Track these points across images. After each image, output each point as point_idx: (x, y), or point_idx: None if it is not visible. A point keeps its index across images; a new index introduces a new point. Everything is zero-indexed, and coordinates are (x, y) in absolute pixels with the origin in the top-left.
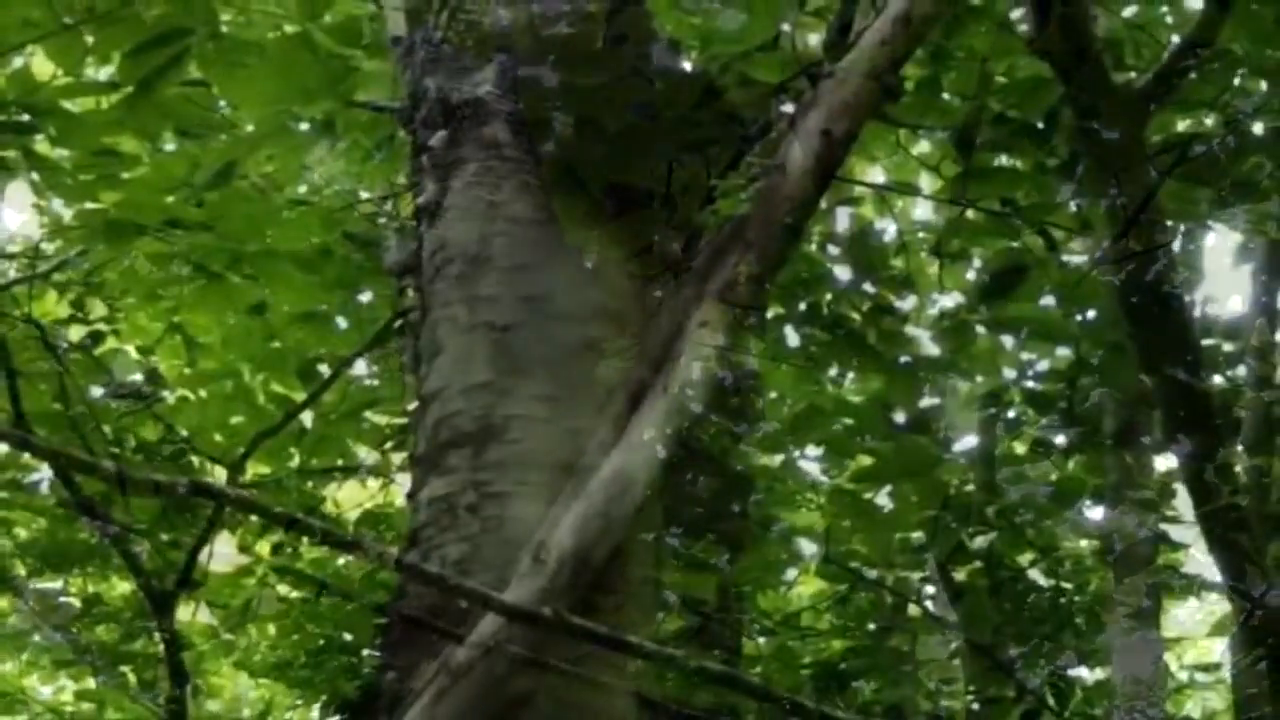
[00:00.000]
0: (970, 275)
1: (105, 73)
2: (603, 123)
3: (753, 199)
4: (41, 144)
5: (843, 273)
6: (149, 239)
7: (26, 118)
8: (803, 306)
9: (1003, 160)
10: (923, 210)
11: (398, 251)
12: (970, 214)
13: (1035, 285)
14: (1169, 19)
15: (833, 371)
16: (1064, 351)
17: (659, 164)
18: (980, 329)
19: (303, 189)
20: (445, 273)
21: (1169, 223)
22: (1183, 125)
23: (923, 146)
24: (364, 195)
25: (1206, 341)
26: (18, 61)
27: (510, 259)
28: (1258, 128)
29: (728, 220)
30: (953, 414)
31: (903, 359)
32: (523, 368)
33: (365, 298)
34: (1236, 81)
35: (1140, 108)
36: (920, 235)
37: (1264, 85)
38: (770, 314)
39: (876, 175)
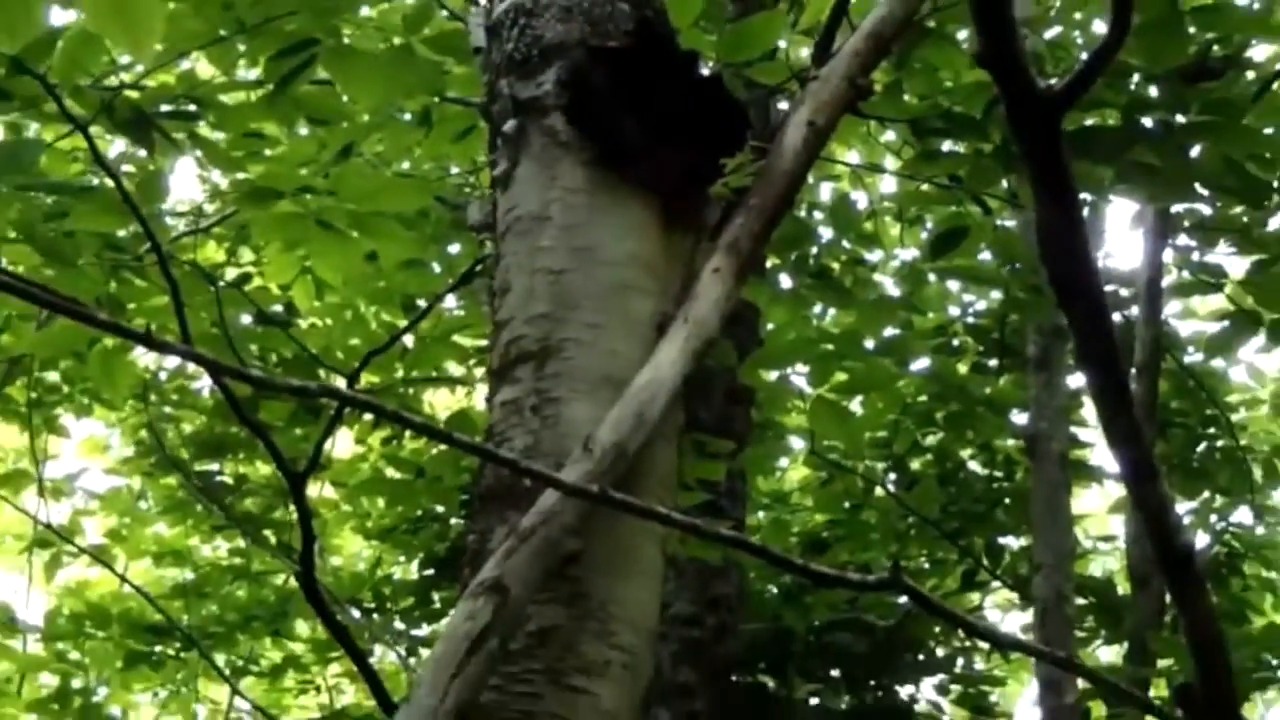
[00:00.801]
0: (924, 235)
1: (253, 73)
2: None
3: (755, 174)
4: (202, 128)
5: (825, 233)
6: (286, 202)
7: (192, 108)
8: (793, 258)
9: (949, 145)
10: (888, 184)
11: (478, 212)
12: (924, 187)
13: (974, 242)
14: (1080, 40)
15: (817, 309)
16: (996, 294)
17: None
18: (931, 277)
19: (406, 165)
20: (514, 229)
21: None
22: (1089, 120)
23: (888, 135)
24: (454, 170)
25: (1107, 288)
26: (184, 64)
27: (564, 219)
28: (1148, 121)
29: (736, 190)
30: (910, 342)
31: (871, 298)
32: (573, 302)
33: (455, 249)
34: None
35: (1055, 109)
36: (885, 204)
37: (1153, 90)
38: (770, 264)
39: (852, 157)
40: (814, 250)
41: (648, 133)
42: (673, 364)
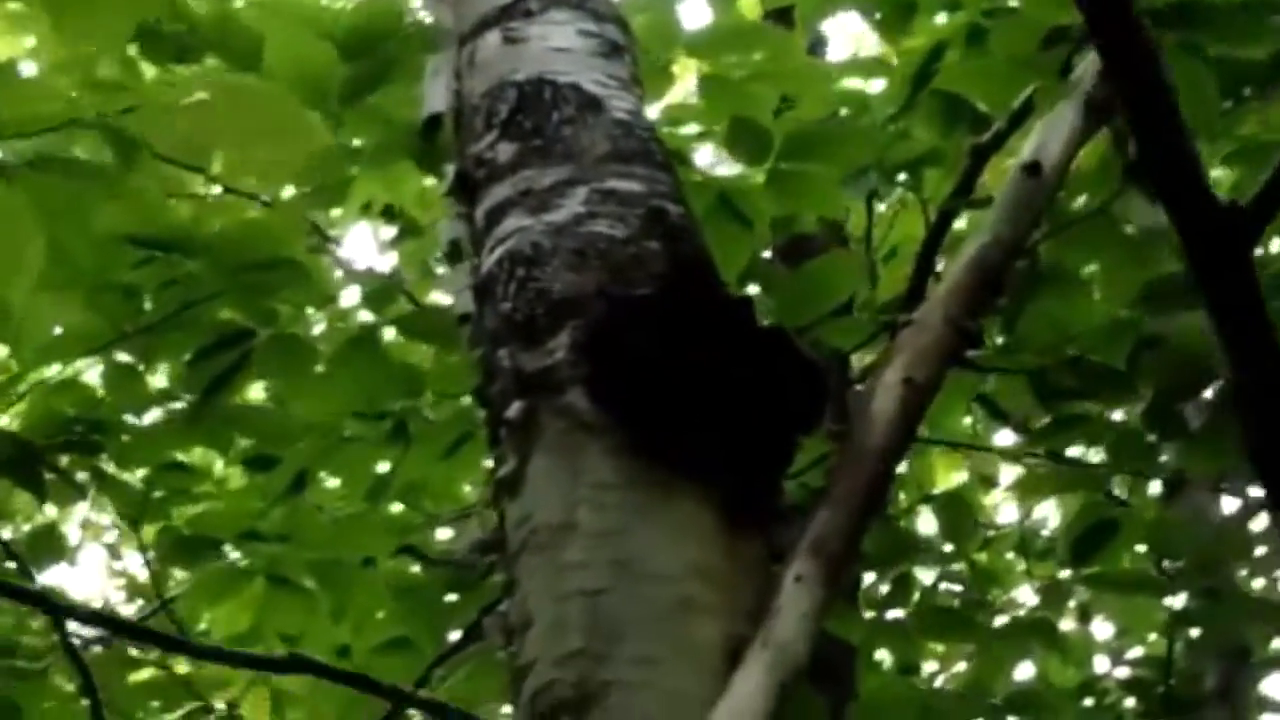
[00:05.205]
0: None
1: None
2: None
3: (841, 452)
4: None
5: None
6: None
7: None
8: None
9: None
10: (1008, 513)
11: (478, 531)
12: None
13: (1127, 543)
14: None
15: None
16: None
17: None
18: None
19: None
20: (531, 545)
21: None
22: None
23: (1002, 437)
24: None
25: None
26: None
27: (597, 524)
28: None
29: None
30: (1047, 699)
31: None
32: (617, 632)
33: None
34: None
35: (1243, 231)
36: (1003, 530)
37: None
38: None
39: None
40: (925, 581)
41: (696, 406)
42: (753, 700)
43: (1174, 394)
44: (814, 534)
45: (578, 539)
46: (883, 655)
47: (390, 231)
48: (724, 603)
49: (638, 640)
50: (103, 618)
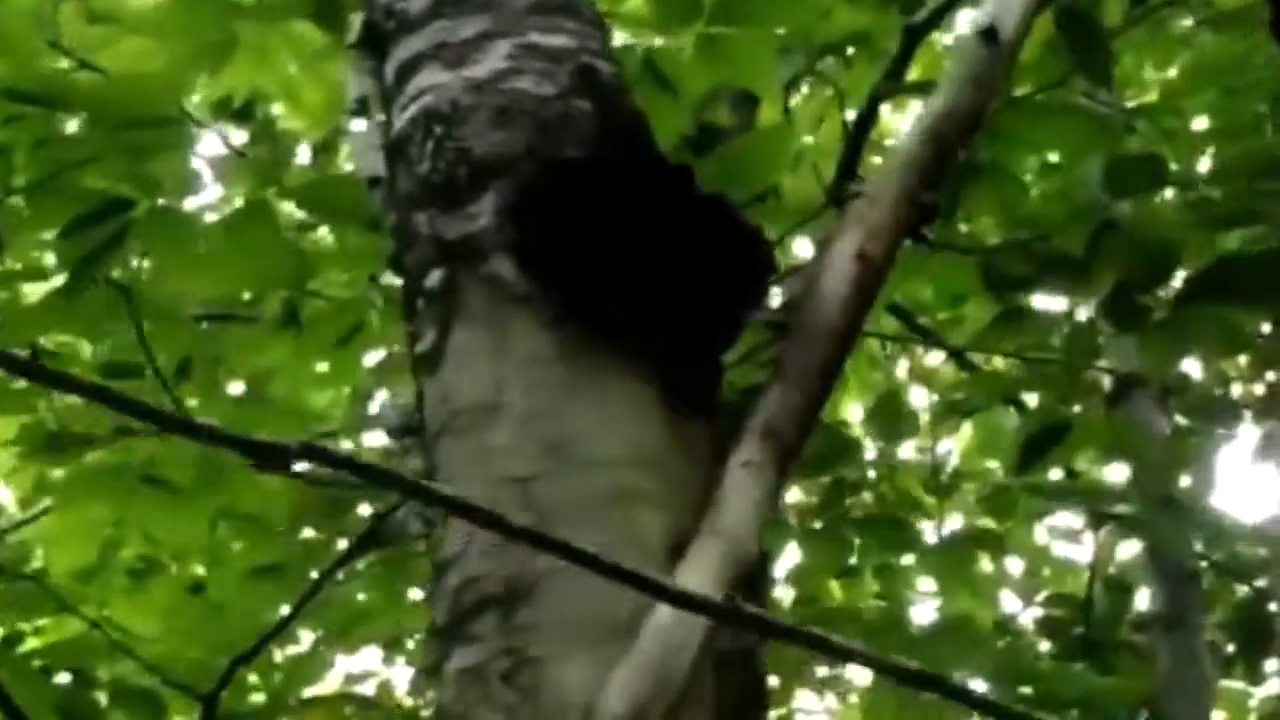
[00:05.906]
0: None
1: None
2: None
3: (790, 330)
4: None
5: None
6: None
7: None
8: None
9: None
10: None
11: (394, 414)
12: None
13: (1075, 448)
14: None
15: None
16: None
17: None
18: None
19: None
20: (453, 427)
21: None
22: None
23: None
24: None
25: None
26: None
27: (527, 404)
28: None
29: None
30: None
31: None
32: (550, 521)
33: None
34: None
35: None
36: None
37: None
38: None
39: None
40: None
41: (633, 277)
42: (702, 593)
43: (1136, 284)
44: (764, 417)
45: (506, 420)
46: (781, 594)
47: (243, 136)
48: (666, 491)
49: (573, 530)
50: (81, 383)
